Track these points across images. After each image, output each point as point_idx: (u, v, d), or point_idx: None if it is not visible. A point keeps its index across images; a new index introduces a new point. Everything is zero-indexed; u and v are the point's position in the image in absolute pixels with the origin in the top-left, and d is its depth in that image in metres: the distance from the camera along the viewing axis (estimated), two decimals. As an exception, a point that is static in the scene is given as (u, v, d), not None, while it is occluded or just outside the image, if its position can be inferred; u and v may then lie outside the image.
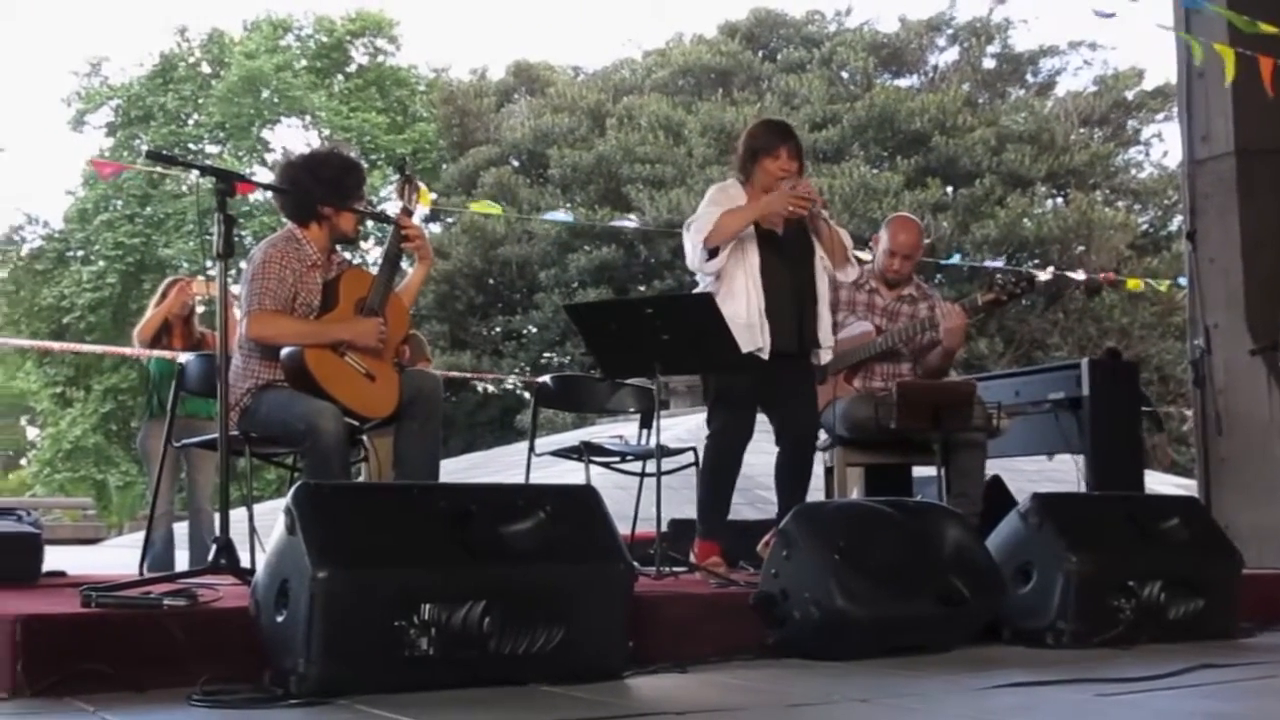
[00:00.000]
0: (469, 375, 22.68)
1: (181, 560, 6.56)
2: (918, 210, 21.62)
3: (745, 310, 4.87)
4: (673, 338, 4.59)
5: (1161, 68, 29.70)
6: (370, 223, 5.09)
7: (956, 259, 17.99)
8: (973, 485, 5.36)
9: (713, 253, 4.95)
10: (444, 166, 28.39)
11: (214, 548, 3.91)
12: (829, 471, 5.72)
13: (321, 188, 4.53)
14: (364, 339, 4.44)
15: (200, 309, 7.23)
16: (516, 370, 24.89)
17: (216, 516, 4.31)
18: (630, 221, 18.43)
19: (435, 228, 27.68)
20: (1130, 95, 26.53)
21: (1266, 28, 6.57)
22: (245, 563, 3.97)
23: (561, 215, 19.71)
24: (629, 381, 6.07)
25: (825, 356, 5.18)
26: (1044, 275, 15.93)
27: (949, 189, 24.10)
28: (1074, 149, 24.45)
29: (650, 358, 4.67)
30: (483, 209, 13.42)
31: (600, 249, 23.58)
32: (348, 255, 4.93)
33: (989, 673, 3.45)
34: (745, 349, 4.79)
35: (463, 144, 27.73)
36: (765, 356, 4.87)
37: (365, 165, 4.89)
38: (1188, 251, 7.38)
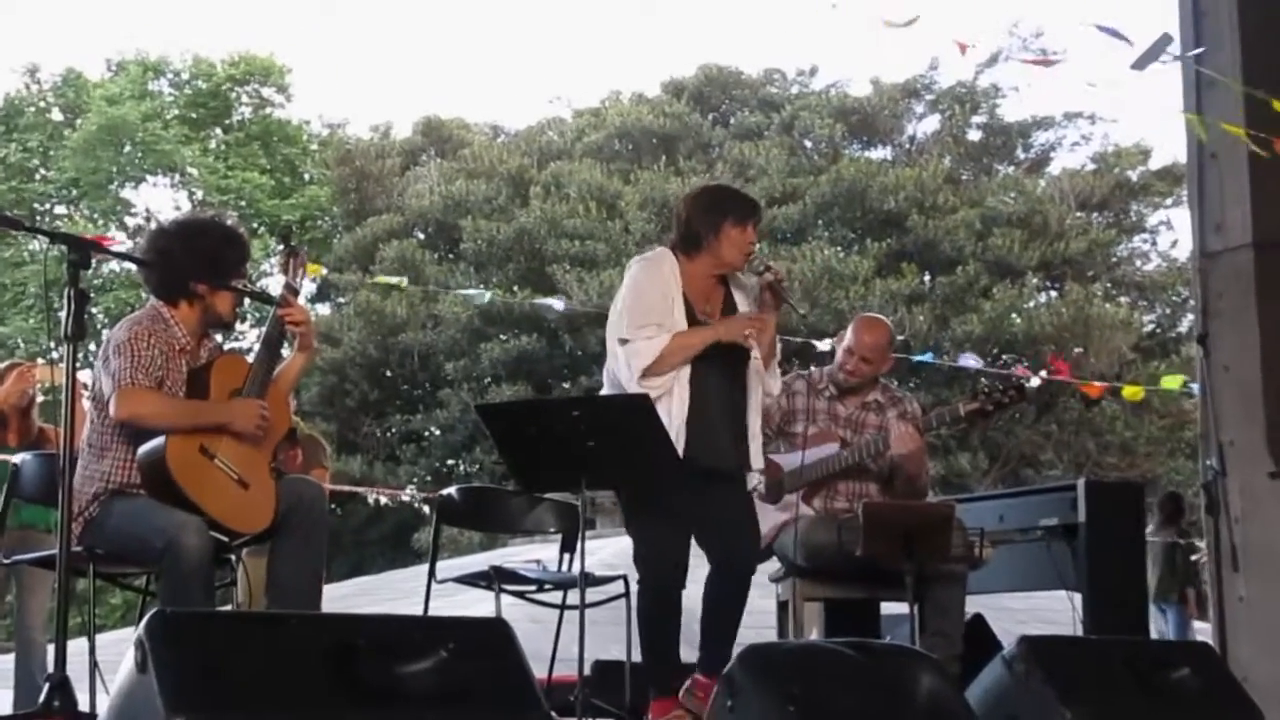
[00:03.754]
0: (358, 487, 22.50)
1: (5, 702, 6.42)
2: (890, 301, 21.88)
3: (668, 419, 4.82)
4: (602, 445, 4.58)
5: (1170, 145, 30.36)
6: (249, 302, 5.08)
7: (930, 356, 18.20)
8: (951, 625, 5.38)
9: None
10: (337, 237, 28.40)
11: (46, 687, 3.84)
12: (783, 606, 5.72)
13: (196, 262, 4.53)
14: (244, 422, 4.43)
15: (41, 399, 7.14)
16: (415, 480, 24.71)
17: (50, 648, 4.23)
18: (556, 302, 18.41)
19: (324, 309, 27.62)
20: (1134, 176, 27.06)
21: None
22: (84, 705, 3.89)
23: (475, 292, 19.78)
24: (549, 496, 6.06)
25: (754, 480, 5.19)
26: (1035, 381, 16.13)
27: (926, 277, 24.42)
28: (1070, 235, 24.87)
29: (575, 469, 4.66)
30: (386, 281, 13.44)
31: (518, 337, 23.63)
32: (219, 339, 4.91)
33: None
34: None
35: (360, 212, 27.79)
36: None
37: (247, 236, 4.90)
38: (1199, 357, 7.49)
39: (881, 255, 23.91)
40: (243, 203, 29.24)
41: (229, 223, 4.79)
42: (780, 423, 5.80)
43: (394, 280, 13.48)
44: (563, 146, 28.33)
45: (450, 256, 26.24)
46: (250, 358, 4.71)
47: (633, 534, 5.05)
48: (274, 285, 4.88)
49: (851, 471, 5.68)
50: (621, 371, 4.96)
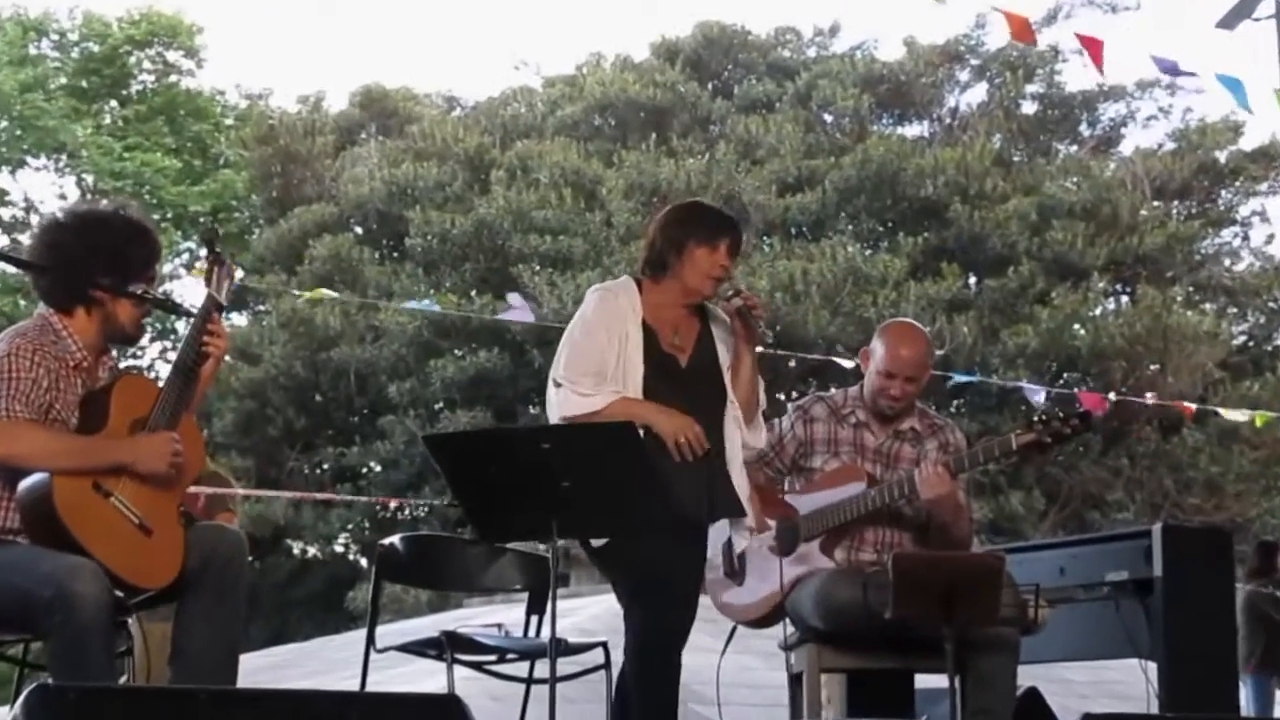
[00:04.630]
0: (288, 499, 22.45)
1: None
2: (928, 308, 21.89)
3: None
4: (578, 484, 4.61)
5: (1266, 119, 30.34)
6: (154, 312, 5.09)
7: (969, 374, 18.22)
8: (999, 701, 5.40)
9: None
10: (257, 232, 28.37)
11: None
12: (796, 679, 5.73)
13: (96, 261, 4.55)
14: (152, 461, 4.44)
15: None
16: (351, 526, 24.70)
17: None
18: (522, 315, 18.38)
19: (242, 319, 27.58)
20: (1223, 157, 27.06)
21: None
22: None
23: (424, 304, 19.73)
24: (512, 547, 6.07)
25: (741, 542, 5.31)
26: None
27: (972, 279, 24.43)
28: (1144, 229, 24.89)
29: (545, 513, 4.67)
30: (316, 297, 13.36)
31: (476, 353, 23.61)
32: (116, 355, 4.93)
33: None
34: None
35: (285, 201, 27.78)
36: None
37: (157, 232, 4.92)
38: (1299, 376, 7.57)
39: (917, 253, 23.90)
40: (143, 189, 29.19)
41: (134, 215, 4.81)
42: (796, 456, 5.82)
43: (324, 292, 13.39)
44: (531, 122, 28.33)
45: (394, 255, 26.23)
46: (155, 377, 4.72)
47: (625, 593, 5.11)
48: (181, 291, 4.89)
49: (880, 516, 5.68)
50: (551, 411, 5.17)
